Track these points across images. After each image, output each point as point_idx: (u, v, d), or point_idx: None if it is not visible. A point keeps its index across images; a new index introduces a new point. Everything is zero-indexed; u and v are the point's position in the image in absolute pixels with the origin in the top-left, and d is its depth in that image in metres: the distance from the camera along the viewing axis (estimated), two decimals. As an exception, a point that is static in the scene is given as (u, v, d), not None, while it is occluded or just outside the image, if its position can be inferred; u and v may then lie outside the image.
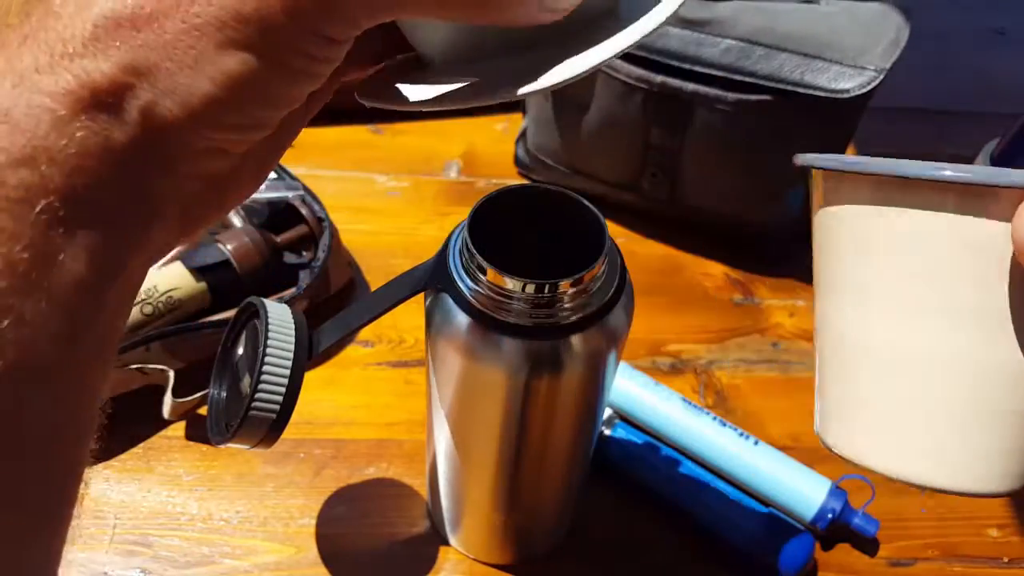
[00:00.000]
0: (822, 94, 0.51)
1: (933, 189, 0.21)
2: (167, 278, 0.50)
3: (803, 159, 0.25)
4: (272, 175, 0.58)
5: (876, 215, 0.22)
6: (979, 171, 0.20)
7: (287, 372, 0.32)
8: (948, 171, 0.20)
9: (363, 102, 0.26)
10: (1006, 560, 0.47)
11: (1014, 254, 0.20)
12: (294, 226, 0.56)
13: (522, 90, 0.22)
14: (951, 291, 0.21)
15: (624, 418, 0.50)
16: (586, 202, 0.32)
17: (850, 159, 0.23)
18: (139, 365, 0.47)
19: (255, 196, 0.56)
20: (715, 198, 0.60)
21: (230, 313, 0.46)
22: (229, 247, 0.52)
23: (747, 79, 0.52)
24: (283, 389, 0.32)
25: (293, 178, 0.58)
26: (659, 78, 0.54)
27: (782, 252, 0.63)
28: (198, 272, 0.51)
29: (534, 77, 0.22)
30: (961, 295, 0.21)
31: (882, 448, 0.24)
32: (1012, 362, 0.21)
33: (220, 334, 0.36)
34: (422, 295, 0.33)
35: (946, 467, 0.22)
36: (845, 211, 0.24)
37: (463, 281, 0.31)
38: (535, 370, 0.31)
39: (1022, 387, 0.21)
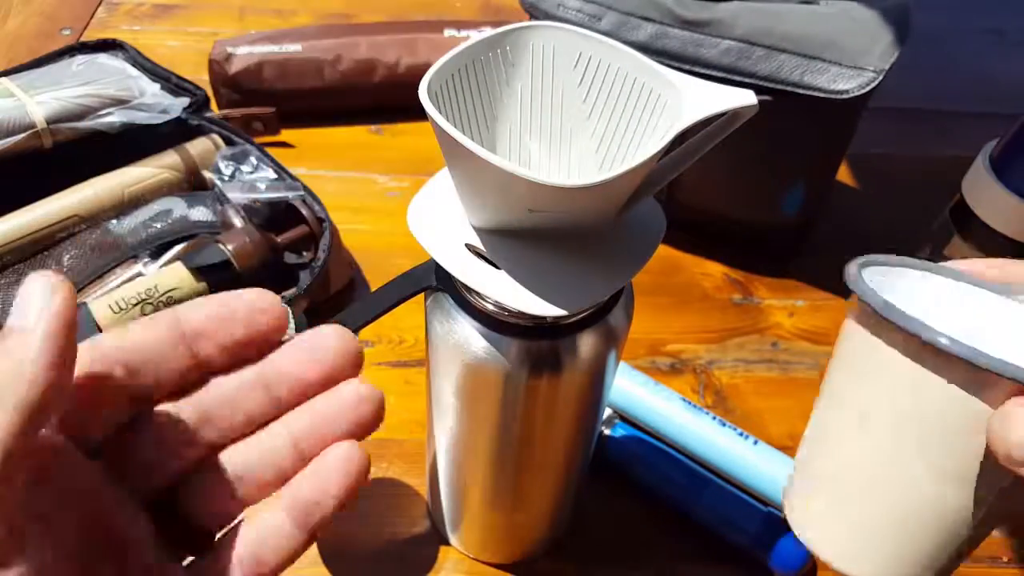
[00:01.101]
0: (821, 95, 0.51)
1: (942, 356, 0.22)
2: (167, 278, 0.50)
3: (855, 283, 0.25)
4: (272, 175, 0.58)
5: (894, 351, 0.24)
6: (984, 355, 0.21)
7: (287, 372, 0.32)
8: (959, 347, 0.21)
9: None
10: (1006, 560, 0.47)
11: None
12: (294, 226, 0.56)
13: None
14: (930, 444, 0.23)
15: (624, 418, 0.51)
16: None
17: (888, 306, 0.23)
18: (139, 365, 0.47)
19: (256, 196, 0.57)
20: (715, 198, 0.61)
21: (230, 313, 0.46)
22: (229, 247, 0.52)
23: (746, 80, 0.52)
24: (283, 389, 0.32)
25: (293, 178, 0.58)
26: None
27: (782, 252, 0.63)
28: (198, 272, 0.51)
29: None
30: (937, 451, 0.23)
31: (841, 551, 0.26)
32: (962, 518, 0.24)
33: (221, 334, 0.36)
34: (422, 295, 0.34)
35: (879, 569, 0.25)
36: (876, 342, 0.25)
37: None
38: (535, 370, 0.31)
39: (957, 537, 0.24)
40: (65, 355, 0.20)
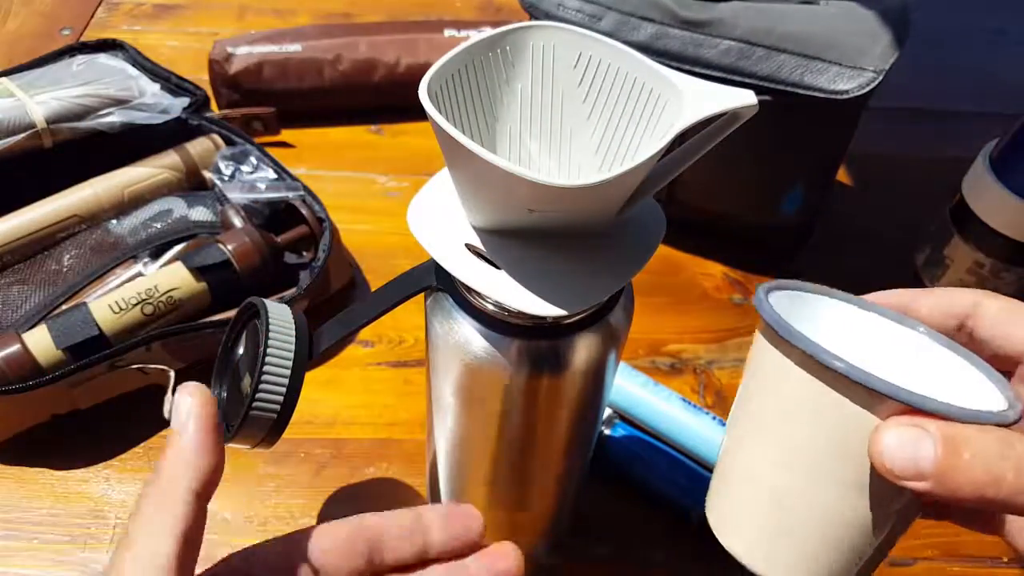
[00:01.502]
0: (821, 95, 0.51)
1: (838, 376, 0.23)
2: (167, 278, 0.50)
3: (760, 305, 0.26)
4: (272, 175, 0.58)
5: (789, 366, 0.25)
6: (870, 377, 0.23)
7: (288, 372, 0.32)
8: (841, 364, 0.23)
9: None
10: (1006, 560, 0.47)
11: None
12: (294, 226, 0.56)
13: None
14: (831, 455, 0.25)
15: (624, 418, 0.51)
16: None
17: (788, 329, 0.25)
18: (139, 365, 0.48)
19: (256, 196, 0.57)
20: (714, 198, 0.61)
21: (231, 313, 0.46)
22: (229, 247, 0.52)
23: (747, 80, 0.52)
24: (284, 389, 0.32)
25: (293, 178, 0.58)
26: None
27: (781, 252, 0.63)
28: (198, 272, 0.51)
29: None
30: (838, 463, 0.24)
31: (746, 546, 0.27)
32: (868, 525, 0.25)
33: (221, 334, 0.36)
34: (422, 295, 0.34)
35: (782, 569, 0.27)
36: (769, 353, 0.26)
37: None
38: (535, 370, 0.31)
39: (866, 544, 0.26)
40: (215, 443, 0.29)
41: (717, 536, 0.28)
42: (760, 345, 0.27)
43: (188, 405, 0.28)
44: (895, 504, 0.25)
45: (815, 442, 0.25)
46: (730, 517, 0.28)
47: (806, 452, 0.25)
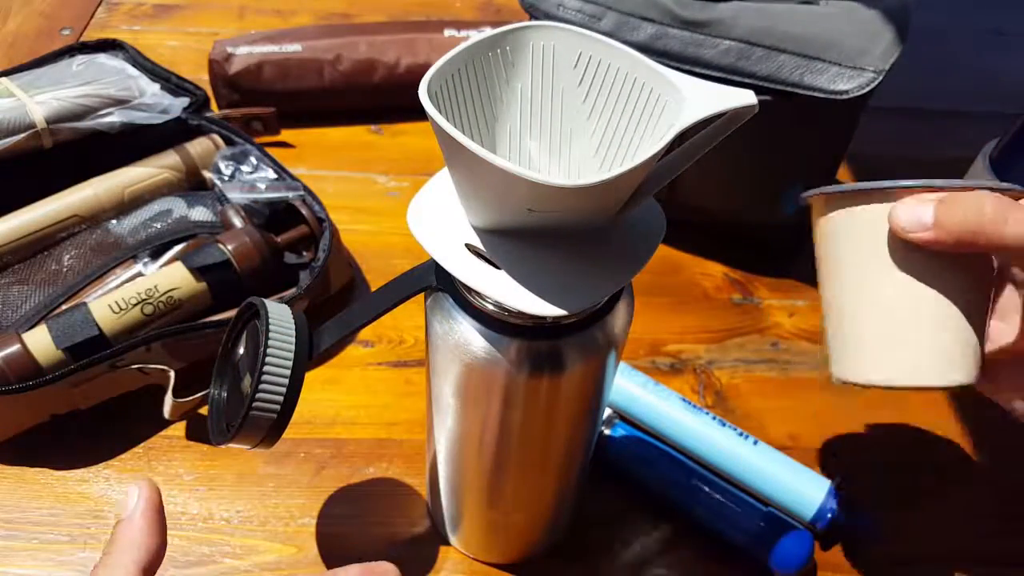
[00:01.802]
0: (821, 95, 0.51)
1: (864, 193, 0.33)
2: (167, 278, 0.50)
3: (809, 193, 0.35)
4: (272, 175, 0.58)
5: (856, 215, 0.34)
6: (886, 183, 0.32)
7: (288, 372, 0.32)
8: (871, 184, 0.33)
9: None
10: (1005, 560, 0.47)
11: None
12: (294, 226, 0.56)
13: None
14: (890, 254, 0.33)
15: (624, 418, 0.51)
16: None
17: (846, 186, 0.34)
18: (139, 365, 0.48)
19: (255, 196, 0.57)
20: (715, 198, 0.61)
21: (231, 313, 0.46)
22: (229, 247, 0.52)
23: (746, 80, 0.52)
24: (284, 389, 0.32)
25: (293, 178, 0.58)
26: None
27: (782, 252, 0.63)
28: (198, 272, 0.51)
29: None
30: (885, 254, 0.33)
31: (877, 365, 0.34)
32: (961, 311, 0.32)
33: (221, 334, 0.36)
34: (422, 295, 0.34)
35: (919, 370, 0.33)
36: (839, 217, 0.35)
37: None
38: (535, 370, 0.31)
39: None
40: (159, 526, 0.32)
41: (856, 380, 0.34)
42: (829, 222, 0.34)
43: (137, 494, 0.33)
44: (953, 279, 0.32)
45: (889, 255, 0.32)
46: (862, 355, 0.34)
47: (889, 265, 0.32)
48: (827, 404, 0.54)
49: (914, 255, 0.32)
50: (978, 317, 0.33)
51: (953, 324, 0.32)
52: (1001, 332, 0.35)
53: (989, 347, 0.34)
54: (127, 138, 0.58)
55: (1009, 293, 0.35)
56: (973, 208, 0.30)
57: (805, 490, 0.46)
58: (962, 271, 0.32)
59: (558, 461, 0.39)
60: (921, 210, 0.30)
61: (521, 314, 0.29)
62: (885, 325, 0.33)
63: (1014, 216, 0.29)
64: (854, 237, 0.33)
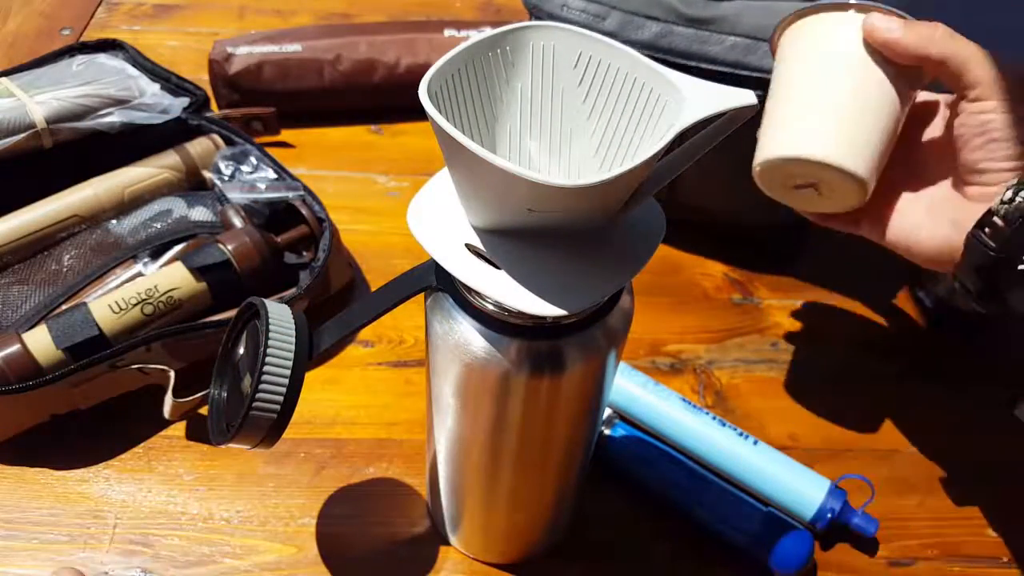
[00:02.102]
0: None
1: (838, 9, 0.40)
2: (168, 278, 0.50)
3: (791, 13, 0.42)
4: (272, 175, 0.58)
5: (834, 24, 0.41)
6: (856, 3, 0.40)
7: (288, 372, 0.32)
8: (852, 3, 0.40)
9: None
10: (1005, 560, 0.47)
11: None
12: (294, 226, 0.56)
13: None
14: (845, 51, 0.40)
15: (624, 418, 0.51)
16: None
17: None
18: (139, 365, 0.48)
19: (255, 196, 0.57)
20: (715, 198, 0.61)
21: (231, 313, 0.46)
22: (229, 247, 0.52)
23: (752, 74, 0.52)
24: (284, 389, 0.32)
25: (293, 178, 0.58)
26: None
27: (781, 252, 0.63)
28: (198, 272, 0.51)
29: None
30: (847, 53, 0.40)
31: (794, 143, 0.40)
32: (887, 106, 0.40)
33: (221, 334, 0.36)
34: (422, 295, 0.34)
35: (827, 149, 0.38)
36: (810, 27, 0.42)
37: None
38: (535, 370, 0.31)
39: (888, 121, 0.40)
40: None
41: (774, 155, 0.41)
42: (802, 27, 0.41)
43: None
44: (898, 87, 0.40)
45: (834, 56, 0.40)
46: (784, 134, 0.40)
47: (833, 64, 0.40)
48: (827, 404, 0.54)
49: (855, 59, 0.39)
50: (887, 134, 0.39)
51: (867, 125, 0.39)
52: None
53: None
54: (127, 138, 0.58)
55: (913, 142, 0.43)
56: (929, 26, 0.40)
57: (805, 490, 0.46)
58: (889, 84, 0.39)
59: (558, 461, 0.39)
60: (893, 20, 0.39)
61: (521, 314, 0.29)
62: (811, 110, 0.39)
63: (957, 38, 0.41)
64: (808, 41, 0.41)
